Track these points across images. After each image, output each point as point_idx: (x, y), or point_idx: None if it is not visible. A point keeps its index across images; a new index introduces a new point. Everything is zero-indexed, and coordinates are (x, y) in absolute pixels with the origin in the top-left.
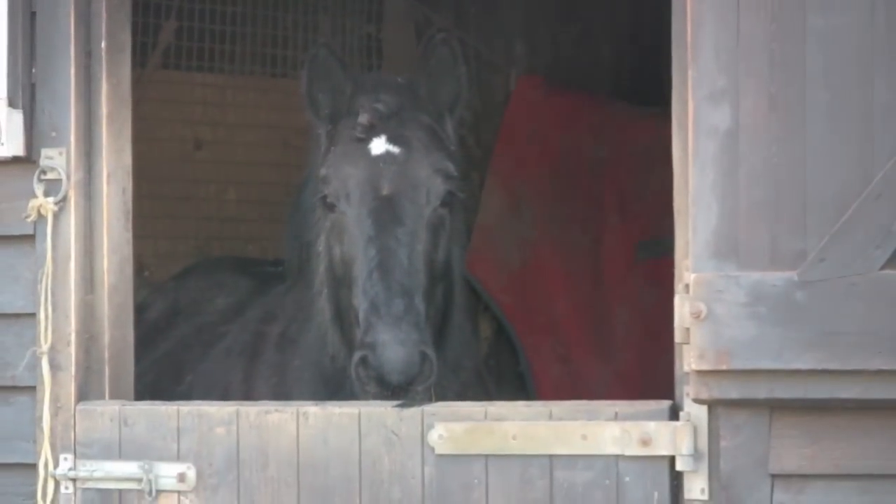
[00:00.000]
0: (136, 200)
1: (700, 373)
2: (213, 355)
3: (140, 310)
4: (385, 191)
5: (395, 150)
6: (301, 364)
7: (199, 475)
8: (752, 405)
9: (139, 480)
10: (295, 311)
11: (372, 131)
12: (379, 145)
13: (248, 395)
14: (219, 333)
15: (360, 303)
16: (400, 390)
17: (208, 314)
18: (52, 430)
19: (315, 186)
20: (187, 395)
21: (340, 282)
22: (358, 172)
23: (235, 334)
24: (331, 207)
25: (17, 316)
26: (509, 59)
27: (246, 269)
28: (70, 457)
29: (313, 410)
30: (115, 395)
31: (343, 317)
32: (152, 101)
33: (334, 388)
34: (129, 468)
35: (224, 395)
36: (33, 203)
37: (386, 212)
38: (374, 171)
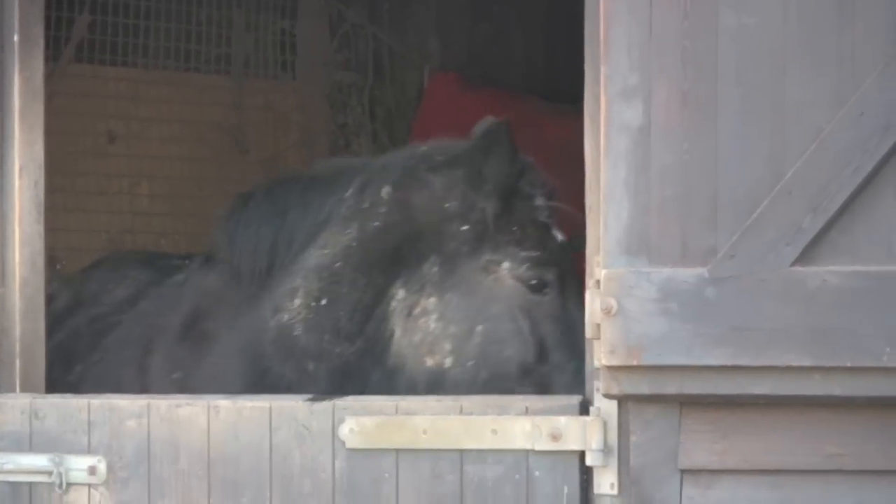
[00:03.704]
0: (49, 194)
1: (610, 368)
2: (105, 346)
3: (47, 302)
4: None
5: None
6: (223, 360)
7: (110, 468)
8: (662, 400)
9: (50, 473)
10: (218, 307)
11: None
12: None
13: (144, 386)
14: (110, 323)
15: None
16: None
17: (104, 305)
18: None
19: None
20: (76, 386)
21: None
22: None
23: (128, 325)
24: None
25: None
26: (423, 54)
27: (152, 263)
28: None
29: (224, 404)
30: (26, 388)
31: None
32: (65, 94)
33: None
34: (40, 461)
35: (117, 387)
36: None
37: None
38: None
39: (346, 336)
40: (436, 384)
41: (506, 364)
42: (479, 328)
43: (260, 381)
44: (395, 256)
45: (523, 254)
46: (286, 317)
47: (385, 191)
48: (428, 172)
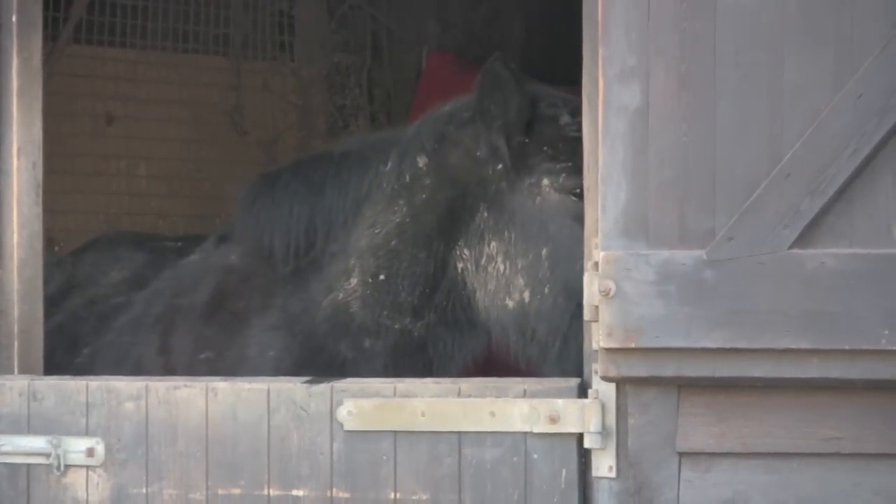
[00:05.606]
0: (47, 175)
1: (608, 350)
2: (115, 327)
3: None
4: None
5: None
6: (262, 339)
7: (108, 450)
8: (660, 383)
9: (47, 455)
10: (245, 287)
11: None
12: None
13: (168, 367)
14: (114, 305)
15: None
16: None
17: (101, 287)
18: None
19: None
20: (87, 368)
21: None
22: None
23: (140, 306)
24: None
25: None
26: (421, 36)
27: (143, 244)
28: None
29: (222, 386)
30: (24, 370)
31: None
32: (63, 75)
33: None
34: (38, 443)
35: (137, 368)
36: None
37: None
38: None
39: (411, 311)
40: (523, 323)
41: (580, 277)
42: (544, 251)
43: (313, 359)
44: (449, 221)
45: (558, 166)
46: (341, 296)
47: (422, 160)
48: (457, 130)
